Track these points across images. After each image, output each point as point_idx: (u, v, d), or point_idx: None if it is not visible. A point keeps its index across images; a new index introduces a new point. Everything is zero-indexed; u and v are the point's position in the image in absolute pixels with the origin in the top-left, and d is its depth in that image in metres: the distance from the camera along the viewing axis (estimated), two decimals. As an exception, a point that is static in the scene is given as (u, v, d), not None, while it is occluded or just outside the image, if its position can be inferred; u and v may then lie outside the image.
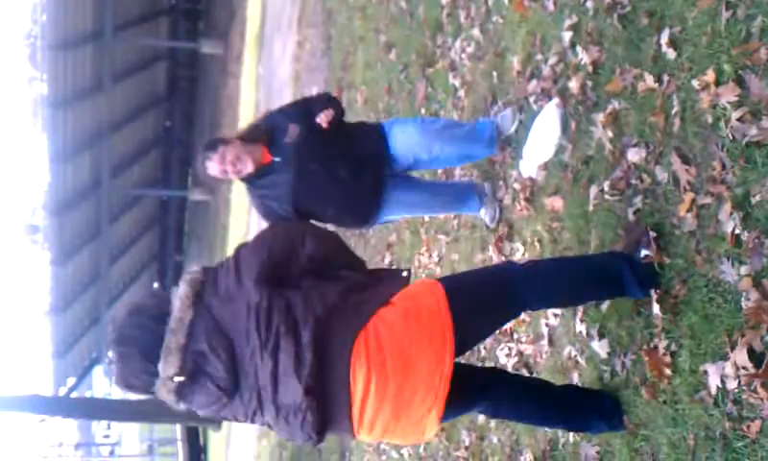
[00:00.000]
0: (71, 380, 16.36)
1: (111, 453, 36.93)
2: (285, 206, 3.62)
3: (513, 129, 3.94)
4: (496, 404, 2.74)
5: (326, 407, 2.24)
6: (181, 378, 2.22)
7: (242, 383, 2.27)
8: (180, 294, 2.27)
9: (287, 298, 2.27)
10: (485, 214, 4.16)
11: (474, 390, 2.65)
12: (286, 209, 3.62)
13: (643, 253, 2.71)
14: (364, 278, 2.44)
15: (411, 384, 2.23)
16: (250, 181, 3.68)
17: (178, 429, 21.01)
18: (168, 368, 2.21)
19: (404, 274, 2.42)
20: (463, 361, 3.17)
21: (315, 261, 2.39)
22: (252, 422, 2.38)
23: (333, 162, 3.67)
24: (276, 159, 3.62)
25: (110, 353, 2.31)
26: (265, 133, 3.65)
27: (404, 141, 3.80)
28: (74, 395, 16.73)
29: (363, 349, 2.21)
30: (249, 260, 2.35)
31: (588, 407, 2.82)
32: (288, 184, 3.59)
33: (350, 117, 7.36)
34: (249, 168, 3.56)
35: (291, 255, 2.38)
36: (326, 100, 3.87)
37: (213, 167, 3.55)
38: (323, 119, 3.64)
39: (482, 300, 2.43)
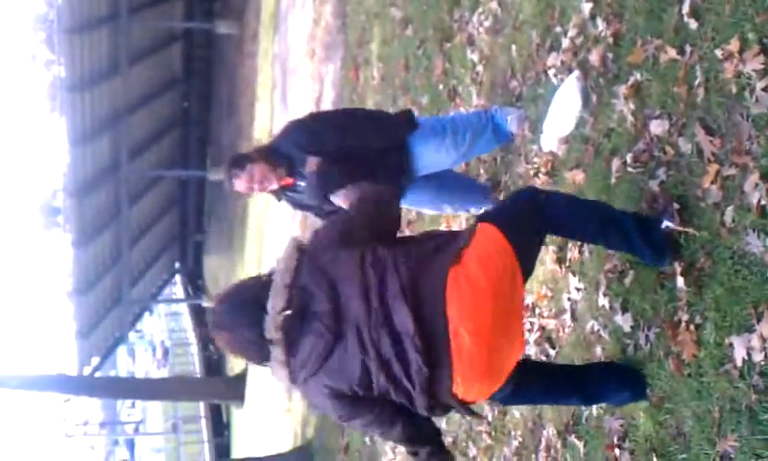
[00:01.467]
0: (95, 360, 16.50)
1: (136, 431, 37.38)
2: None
3: (521, 130, 3.95)
4: (511, 392, 2.74)
5: (432, 345, 2.29)
6: (289, 312, 2.32)
7: (346, 327, 2.33)
8: (286, 246, 2.46)
9: (392, 249, 2.42)
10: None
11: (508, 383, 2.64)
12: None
13: (665, 224, 2.69)
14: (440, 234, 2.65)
15: (504, 312, 2.36)
16: (277, 195, 3.86)
17: (201, 407, 21.22)
18: (277, 302, 2.33)
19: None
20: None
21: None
22: (361, 382, 2.36)
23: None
24: (300, 183, 3.72)
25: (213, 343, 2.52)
26: (286, 160, 3.68)
27: (430, 164, 3.81)
28: (98, 374, 16.91)
29: (455, 286, 2.31)
30: (344, 224, 2.54)
31: (605, 380, 2.83)
32: (317, 208, 3.75)
33: (368, 94, 7.40)
34: (274, 186, 3.72)
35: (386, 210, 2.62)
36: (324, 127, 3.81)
37: (240, 185, 3.67)
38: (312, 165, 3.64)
39: (524, 224, 2.56)
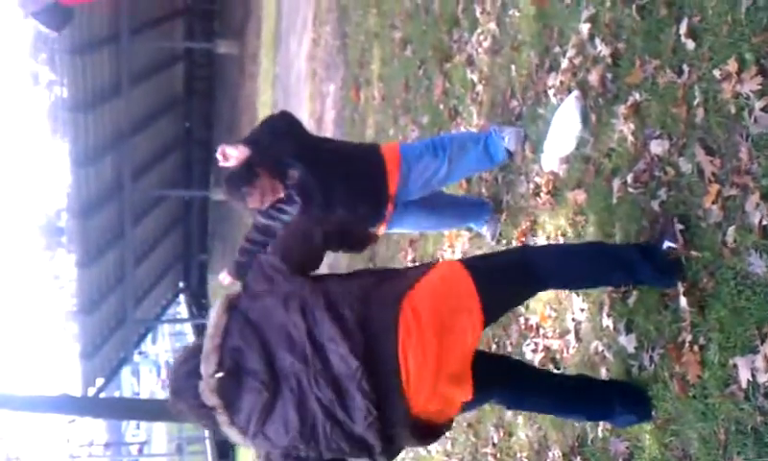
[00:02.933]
0: (100, 381, 16.50)
1: (140, 452, 37.30)
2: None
3: (520, 148, 3.96)
4: (514, 394, 2.78)
5: (378, 382, 2.25)
6: (221, 374, 2.28)
7: (282, 380, 2.28)
8: (216, 305, 2.40)
9: (323, 283, 2.41)
10: (486, 231, 4.28)
11: (493, 377, 2.66)
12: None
13: (666, 244, 2.69)
14: (387, 270, 2.61)
15: (449, 345, 2.32)
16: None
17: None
18: (208, 366, 2.29)
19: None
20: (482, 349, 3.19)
21: (331, 240, 2.59)
22: (304, 435, 2.30)
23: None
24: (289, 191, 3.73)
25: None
26: (270, 164, 3.69)
27: (419, 184, 3.86)
28: (103, 395, 16.88)
29: (404, 324, 2.29)
30: (272, 261, 2.47)
31: (609, 396, 2.82)
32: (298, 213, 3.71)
33: (369, 113, 7.42)
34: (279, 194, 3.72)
35: (309, 240, 2.54)
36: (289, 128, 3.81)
37: (255, 201, 3.67)
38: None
39: (501, 273, 2.54)
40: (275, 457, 2.37)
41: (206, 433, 20.94)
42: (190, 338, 26.62)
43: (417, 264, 3.10)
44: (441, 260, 2.49)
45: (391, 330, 2.27)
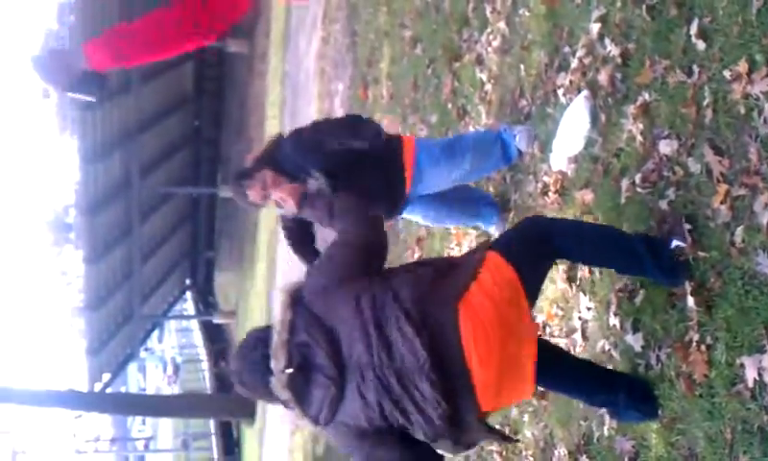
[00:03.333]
0: (106, 376, 16.54)
1: (146, 447, 37.38)
2: None
3: (530, 148, 3.97)
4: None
5: (446, 378, 2.30)
6: (290, 370, 2.35)
7: (349, 373, 2.35)
8: (280, 299, 2.46)
9: (389, 280, 2.45)
10: (495, 231, 4.28)
11: None
12: None
13: (674, 243, 2.70)
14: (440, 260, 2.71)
15: (512, 336, 2.38)
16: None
17: (212, 424, 21.21)
18: (278, 363, 2.36)
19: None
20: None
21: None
22: (373, 416, 2.37)
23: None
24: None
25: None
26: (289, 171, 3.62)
27: (431, 184, 3.86)
28: (109, 390, 16.93)
29: (466, 316, 2.34)
30: (341, 258, 2.54)
31: (614, 386, 2.82)
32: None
33: (377, 112, 7.43)
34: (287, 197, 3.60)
35: (376, 245, 2.60)
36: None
37: (255, 194, 3.60)
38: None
39: (531, 256, 2.60)
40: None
41: (212, 429, 21.00)
42: (197, 335, 26.69)
43: (464, 253, 3.09)
44: (485, 254, 2.51)
45: (454, 332, 2.32)
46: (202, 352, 25.21)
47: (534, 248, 2.61)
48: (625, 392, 2.78)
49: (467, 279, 2.42)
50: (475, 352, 2.31)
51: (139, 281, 16.81)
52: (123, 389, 30.02)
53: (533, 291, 2.56)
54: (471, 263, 2.49)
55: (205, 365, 23.76)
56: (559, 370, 2.82)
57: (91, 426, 31.61)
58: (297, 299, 2.46)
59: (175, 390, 32.54)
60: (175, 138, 18.56)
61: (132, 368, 34.81)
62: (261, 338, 2.48)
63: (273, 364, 2.37)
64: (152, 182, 16.65)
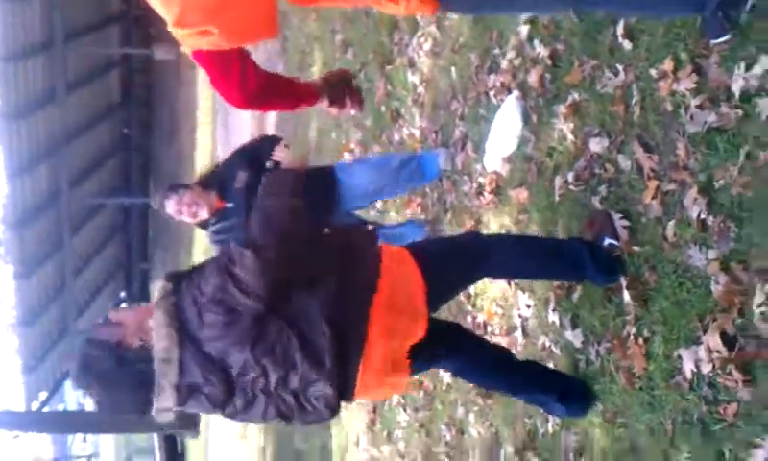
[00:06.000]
0: (43, 395, 16.10)
1: (89, 466, 36.54)
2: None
3: (448, 166, 4.17)
4: (460, 361, 2.77)
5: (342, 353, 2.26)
6: (176, 409, 2.26)
7: (238, 390, 2.27)
8: (158, 322, 2.20)
9: (291, 309, 2.27)
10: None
11: (441, 343, 2.66)
12: None
13: (607, 241, 2.74)
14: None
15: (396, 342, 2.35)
16: (205, 226, 3.96)
17: (155, 438, 20.82)
18: (164, 402, 2.21)
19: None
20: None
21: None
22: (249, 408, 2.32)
23: None
24: (229, 205, 3.85)
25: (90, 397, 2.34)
26: (218, 181, 3.89)
27: (356, 194, 4.10)
28: (47, 409, 16.48)
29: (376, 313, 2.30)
30: (248, 277, 2.25)
31: (550, 385, 2.85)
32: (240, 227, 3.65)
33: (311, 116, 7.38)
34: (204, 214, 3.84)
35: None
36: (271, 141, 4.04)
37: (170, 207, 3.81)
38: (279, 156, 3.81)
39: (447, 259, 2.58)
40: None
41: (156, 444, 20.62)
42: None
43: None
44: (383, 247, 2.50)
45: (361, 337, 2.29)
46: (141, 366, 24.70)
47: (455, 260, 2.59)
48: (558, 393, 2.81)
49: (373, 278, 2.37)
50: (373, 348, 2.29)
51: (73, 295, 16.40)
52: (61, 407, 29.24)
53: (435, 302, 2.54)
54: (373, 258, 2.44)
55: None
56: (501, 368, 2.84)
57: (30, 447, 30.70)
58: (178, 320, 2.23)
59: (115, 405, 31.75)
60: (104, 147, 18.17)
61: (70, 385, 33.94)
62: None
63: (156, 400, 2.21)
64: (82, 194, 16.25)
